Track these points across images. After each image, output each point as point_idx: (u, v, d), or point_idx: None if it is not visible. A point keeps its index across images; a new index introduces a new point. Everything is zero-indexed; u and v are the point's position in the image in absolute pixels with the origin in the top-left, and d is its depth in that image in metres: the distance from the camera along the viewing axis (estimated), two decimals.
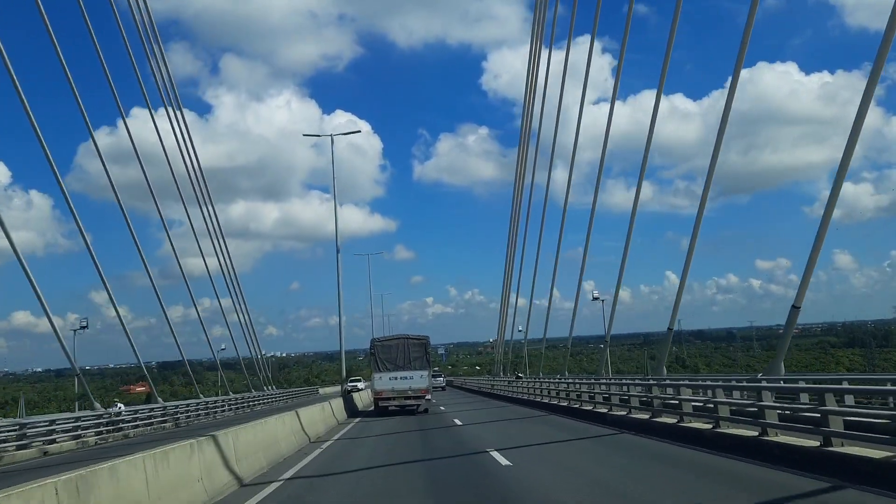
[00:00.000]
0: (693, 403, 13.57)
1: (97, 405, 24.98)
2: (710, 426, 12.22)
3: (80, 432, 21.88)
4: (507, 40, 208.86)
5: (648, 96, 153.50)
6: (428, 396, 25.42)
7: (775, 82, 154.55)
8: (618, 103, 23.95)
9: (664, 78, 20.56)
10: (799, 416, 10.20)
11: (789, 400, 11.46)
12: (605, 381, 22.05)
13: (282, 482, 9.77)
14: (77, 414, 23.63)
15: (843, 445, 8.75)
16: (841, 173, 14.87)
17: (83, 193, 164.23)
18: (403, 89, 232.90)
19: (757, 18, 16.77)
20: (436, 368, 53.56)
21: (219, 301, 37.52)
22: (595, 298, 41.65)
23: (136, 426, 25.79)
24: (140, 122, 30.47)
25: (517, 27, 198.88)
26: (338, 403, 23.82)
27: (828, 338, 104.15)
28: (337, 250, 33.48)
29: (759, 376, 16.47)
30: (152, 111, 30.77)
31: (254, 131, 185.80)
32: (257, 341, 44.09)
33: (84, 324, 34.62)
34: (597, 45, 25.14)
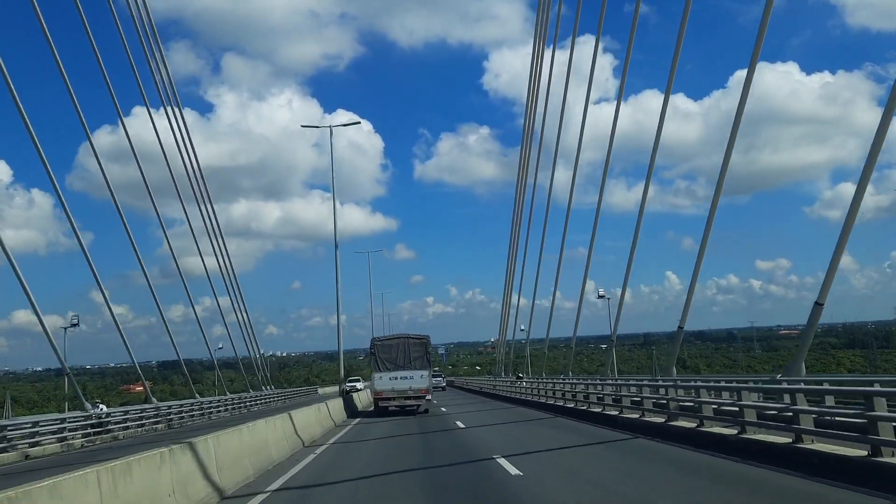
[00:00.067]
0: (714, 406, 12.65)
1: (87, 406, 24.15)
2: (735, 431, 11.28)
3: (65, 434, 20.97)
4: (507, 40, 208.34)
5: (649, 96, 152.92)
6: (428, 397, 25.11)
7: (776, 82, 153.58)
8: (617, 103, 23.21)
9: (672, 82, 19.85)
10: (839, 423, 9.30)
11: (814, 403, 10.64)
12: (615, 381, 21.13)
13: (268, 494, 8.84)
14: (62, 415, 22.70)
15: (894, 456, 7.83)
16: (869, 164, 13.91)
17: (84, 192, 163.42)
18: (404, 88, 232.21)
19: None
20: (436, 368, 52.76)
21: (216, 301, 36.79)
22: (601, 297, 40.79)
23: (127, 427, 24.90)
24: (142, 120, 30.11)
25: (518, 27, 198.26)
26: (335, 404, 22.90)
27: (828, 339, 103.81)
28: (336, 246, 32.61)
29: (777, 377, 15.57)
30: (150, 111, 30.37)
31: (255, 130, 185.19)
32: (256, 341, 43.30)
33: (75, 321, 33.65)
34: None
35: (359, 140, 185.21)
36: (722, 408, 12.50)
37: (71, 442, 21.00)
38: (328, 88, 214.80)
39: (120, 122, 27.31)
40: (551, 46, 29.94)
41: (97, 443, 22.16)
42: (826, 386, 12.55)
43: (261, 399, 43.70)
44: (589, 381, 22.20)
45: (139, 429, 25.76)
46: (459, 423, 19.62)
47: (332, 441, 16.09)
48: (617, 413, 17.04)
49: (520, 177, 37.16)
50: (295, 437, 14.25)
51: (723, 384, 14.17)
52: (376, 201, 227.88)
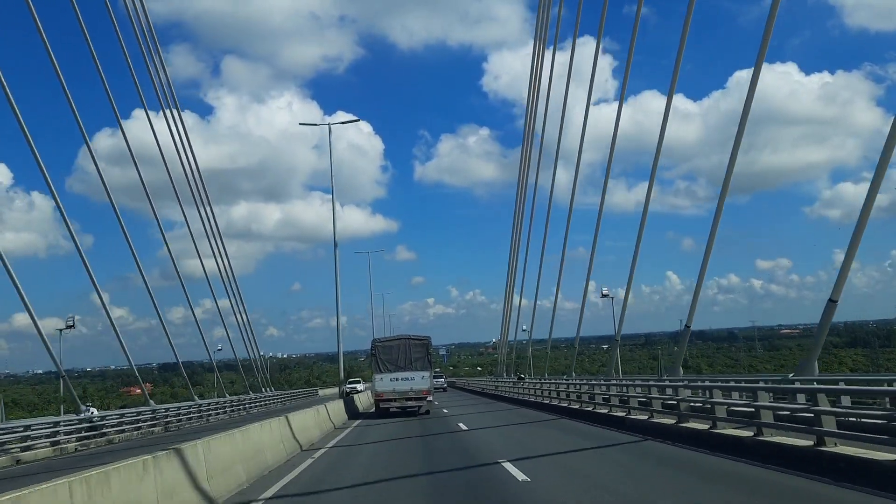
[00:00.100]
0: (727, 407, 12.16)
1: (83, 409, 23.70)
2: (750, 433, 10.79)
3: (58, 438, 20.48)
4: (507, 41, 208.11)
5: (648, 96, 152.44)
6: (429, 398, 24.98)
7: (775, 83, 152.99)
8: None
9: (674, 85, 19.80)
10: (862, 424, 8.82)
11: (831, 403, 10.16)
12: (622, 382, 20.66)
13: (262, 502, 8.37)
14: (55, 419, 22.20)
15: None
16: (885, 156, 13.44)
17: (85, 195, 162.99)
18: (404, 90, 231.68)
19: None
20: (437, 369, 52.34)
21: (215, 302, 36.51)
22: (604, 296, 40.30)
23: (122, 431, 24.42)
24: (143, 123, 30.26)
25: (517, 28, 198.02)
26: (334, 406, 22.41)
27: (830, 338, 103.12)
28: (335, 245, 32.16)
29: (790, 376, 15.10)
30: (149, 114, 30.35)
31: (255, 133, 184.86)
32: (255, 342, 42.92)
33: (70, 323, 33.06)
34: (594, 47, 24.27)
35: (359, 141, 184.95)
36: (736, 409, 12.01)
37: (64, 446, 20.53)
38: (328, 91, 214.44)
39: (119, 126, 27.36)
40: (551, 47, 30.17)
41: (91, 446, 21.68)
42: (844, 386, 12.11)
43: (260, 401, 43.23)
44: (595, 382, 21.69)
45: (135, 432, 25.28)
46: (462, 425, 19.14)
47: (330, 444, 15.60)
48: (624, 414, 16.55)
49: (520, 178, 37.07)
50: (292, 440, 13.76)
51: (733, 384, 13.69)
52: (376, 203, 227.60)
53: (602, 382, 20.75)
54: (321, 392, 68.55)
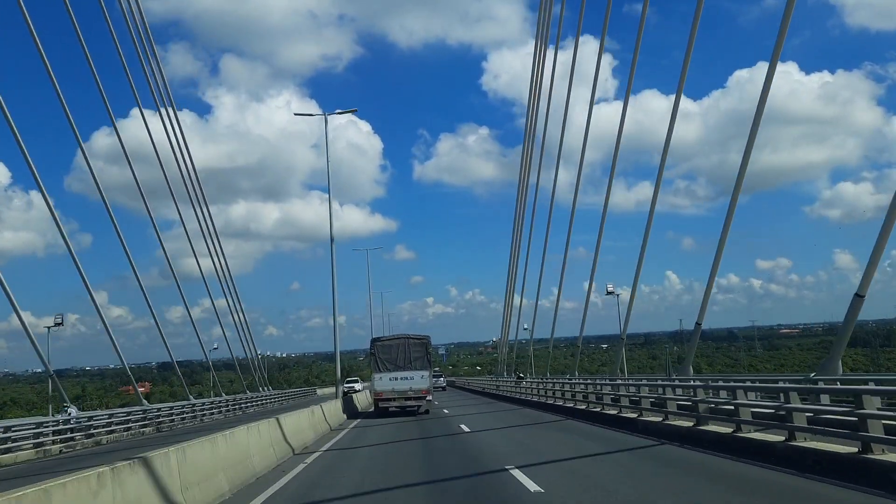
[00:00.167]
0: (753, 409, 11.26)
1: (73, 408, 22.85)
2: (781, 438, 9.90)
3: (42, 440, 19.58)
4: (506, 41, 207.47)
5: (649, 96, 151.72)
6: (429, 397, 24.74)
7: (775, 82, 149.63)
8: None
9: (681, 89, 19.10)
10: None
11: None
12: (631, 382, 19.78)
13: None
14: (38, 419, 21.31)
15: None
16: None
17: (83, 194, 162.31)
18: (403, 89, 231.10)
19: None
20: (436, 369, 51.58)
21: (212, 301, 35.94)
22: (609, 293, 39.42)
23: (112, 431, 23.54)
24: (140, 122, 29.70)
25: (517, 27, 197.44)
26: (330, 407, 21.51)
27: (829, 337, 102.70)
28: (331, 239, 31.25)
29: (811, 376, 14.22)
30: (143, 113, 29.92)
31: (254, 132, 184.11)
32: (253, 341, 42.19)
33: (59, 321, 32.14)
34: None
35: (358, 141, 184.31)
36: (762, 410, 11.11)
37: (48, 448, 19.65)
38: (327, 89, 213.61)
39: (113, 126, 27.57)
40: (552, 46, 30.03)
41: (78, 448, 20.81)
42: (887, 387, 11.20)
43: (257, 400, 42.45)
44: (602, 382, 20.79)
45: (125, 432, 24.43)
46: (464, 427, 18.24)
47: (325, 448, 14.68)
48: (636, 416, 15.64)
49: (521, 178, 36.53)
50: (283, 444, 12.85)
51: (749, 384, 12.78)
52: (375, 202, 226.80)
53: (611, 382, 19.86)
54: (319, 391, 67.73)
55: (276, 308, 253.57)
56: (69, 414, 22.04)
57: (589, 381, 22.83)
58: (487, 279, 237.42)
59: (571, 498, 7.71)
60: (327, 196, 34.51)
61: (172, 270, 30.86)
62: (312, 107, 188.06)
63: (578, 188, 27.38)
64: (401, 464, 11.69)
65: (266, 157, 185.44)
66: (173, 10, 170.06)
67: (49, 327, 31.95)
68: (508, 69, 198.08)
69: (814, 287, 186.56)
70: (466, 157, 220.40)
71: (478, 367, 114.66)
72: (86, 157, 24.61)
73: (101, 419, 23.77)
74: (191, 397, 33.05)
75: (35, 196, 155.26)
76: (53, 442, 20.04)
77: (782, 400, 10.16)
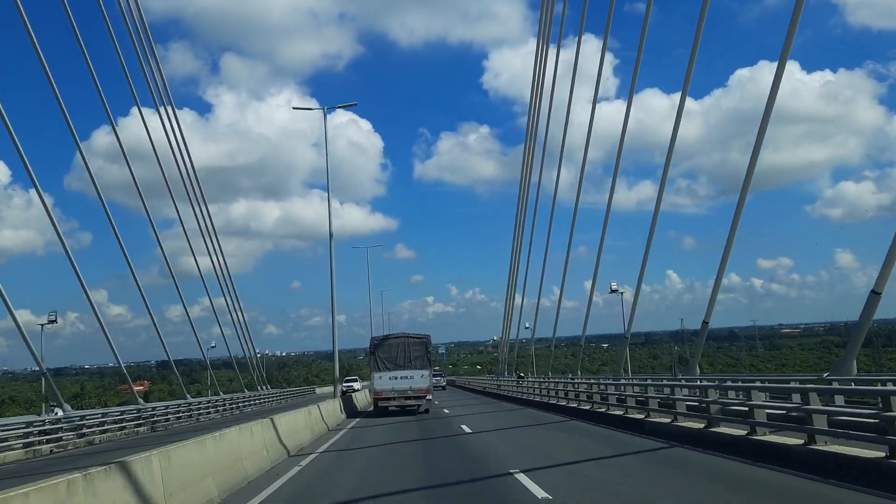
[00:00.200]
0: (769, 411, 10.78)
1: (67, 407, 22.30)
2: (800, 441, 9.41)
3: (31, 440, 19.10)
4: (507, 39, 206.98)
5: (649, 95, 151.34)
6: (429, 396, 24.54)
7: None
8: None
9: (687, 86, 18.98)
10: None
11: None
12: (635, 382, 19.31)
13: None
14: (27, 419, 20.81)
15: None
16: None
17: (83, 192, 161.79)
18: (404, 88, 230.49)
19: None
20: (436, 368, 51.13)
21: (210, 300, 35.48)
22: (613, 291, 38.93)
23: (105, 431, 23.05)
24: (141, 120, 29.16)
25: (518, 26, 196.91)
26: (328, 406, 21.02)
27: (830, 337, 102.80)
28: (330, 235, 30.78)
29: (824, 376, 13.75)
30: (141, 111, 29.63)
31: (254, 130, 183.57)
32: (251, 339, 41.72)
33: (52, 318, 31.60)
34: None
35: (358, 139, 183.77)
36: (778, 412, 10.62)
37: (39, 448, 19.17)
38: (327, 88, 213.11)
39: (111, 126, 26.92)
40: (554, 45, 29.64)
41: (69, 448, 20.34)
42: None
43: (255, 399, 41.98)
44: (607, 382, 20.30)
45: (119, 432, 23.95)
46: (465, 428, 17.75)
47: (321, 449, 14.18)
48: (643, 417, 15.16)
49: (523, 176, 36.26)
50: (278, 445, 12.36)
51: (759, 384, 12.29)
52: (376, 201, 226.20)
53: (617, 382, 19.38)
54: (318, 390, 67.23)
55: (277, 307, 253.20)
56: (55, 414, 21.54)
57: (593, 381, 22.34)
58: (488, 278, 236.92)
59: None
60: (328, 194, 34.06)
61: (170, 269, 30.47)
62: (313, 105, 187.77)
63: (581, 187, 26.94)
64: (400, 467, 11.20)
65: (267, 156, 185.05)
66: (173, 9, 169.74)
67: (42, 325, 31.44)
68: (509, 68, 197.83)
69: (815, 287, 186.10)
70: (467, 156, 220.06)
71: (478, 367, 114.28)
72: (83, 157, 24.22)
73: (94, 418, 23.28)
74: (188, 396, 32.58)
75: (35, 194, 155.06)
76: (40, 442, 19.53)
77: (800, 401, 9.66)
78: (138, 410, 26.17)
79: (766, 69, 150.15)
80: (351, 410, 26.87)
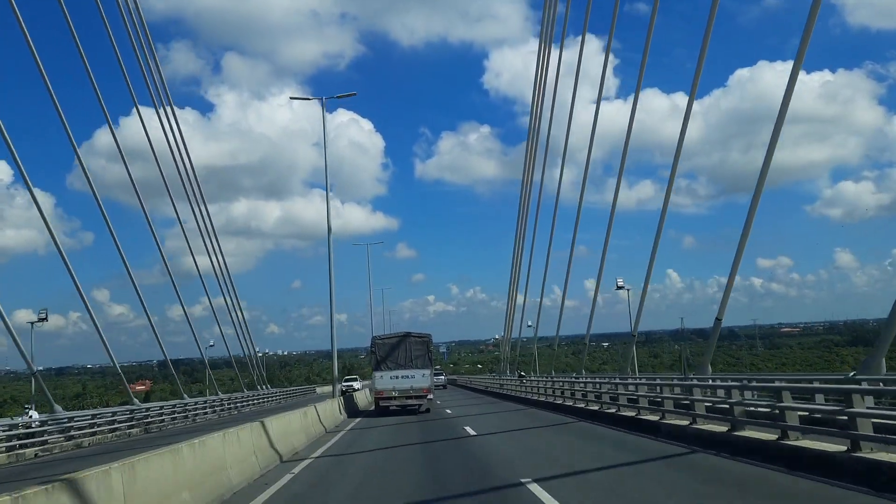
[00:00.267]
0: (802, 414, 9.89)
1: (57, 408, 21.44)
2: (843, 448, 8.51)
3: (14, 443, 18.23)
4: (508, 39, 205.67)
5: (649, 94, 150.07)
6: (430, 396, 24.34)
7: (776, 81, 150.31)
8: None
9: (695, 89, 18.57)
10: None
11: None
12: (643, 381, 18.42)
13: None
14: (10, 422, 19.93)
15: None
16: None
17: (85, 192, 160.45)
18: (405, 87, 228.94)
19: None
20: (437, 367, 50.38)
21: (209, 299, 34.95)
22: (619, 287, 38.07)
23: (95, 433, 22.17)
24: (141, 119, 28.65)
25: (518, 26, 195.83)
26: (325, 407, 20.15)
27: (830, 336, 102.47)
28: (329, 230, 29.97)
29: (850, 375, 12.85)
30: (139, 110, 29.05)
31: (256, 130, 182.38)
32: (250, 339, 40.97)
33: (42, 316, 30.73)
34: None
35: (359, 139, 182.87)
36: (815, 416, 9.74)
37: (21, 451, 18.28)
38: (329, 88, 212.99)
39: (109, 126, 26.24)
40: (557, 45, 29.27)
41: (55, 451, 19.48)
42: None
43: (254, 399, 41.18)
44: (616, 381, 19.41)
45: (110, 434, 23.07)
46: (469, 430, 16.87)
47: (317, 454, 13.29)
48: (658, 419, 14.26)
49: (524, 176, 35.68)
50: (269, 450, 11.48)
51: (782, 384, 11.39)
52: (377, 200, 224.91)
53: (627, 382, 18.49)
54: (319, 390, 66.46)
55: (278, 306, 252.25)
56: (30, 416, 20.67)
57: (601, 381, 21.44)
58: (489, 277, 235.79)
59: None
60: (326, 187, 33.22)
61: (168, 269, 29.85)
62: (314, 105, 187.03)
63: (585, 186, 26.23)
64: (401, 475, 10.31)
65: (268, 155, 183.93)
66: (174, 8, 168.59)
67: (32, 323, 30.58)
68: (510, 67, 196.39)
69: (815, 286, 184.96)
70: (468, 156, 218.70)
71: (479, 366, 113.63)
72: (79, 158, 23.83)
73: (83, 420, 22.40)
74: (185, 396, 31.78)
75: (37, 194, 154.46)
76: (24, 446, 18.63)
77: (838, 403, 8.77)
78: (131, 411, 25.31)
79: (766, 69, 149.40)
80: (351, 410, 26.14)
